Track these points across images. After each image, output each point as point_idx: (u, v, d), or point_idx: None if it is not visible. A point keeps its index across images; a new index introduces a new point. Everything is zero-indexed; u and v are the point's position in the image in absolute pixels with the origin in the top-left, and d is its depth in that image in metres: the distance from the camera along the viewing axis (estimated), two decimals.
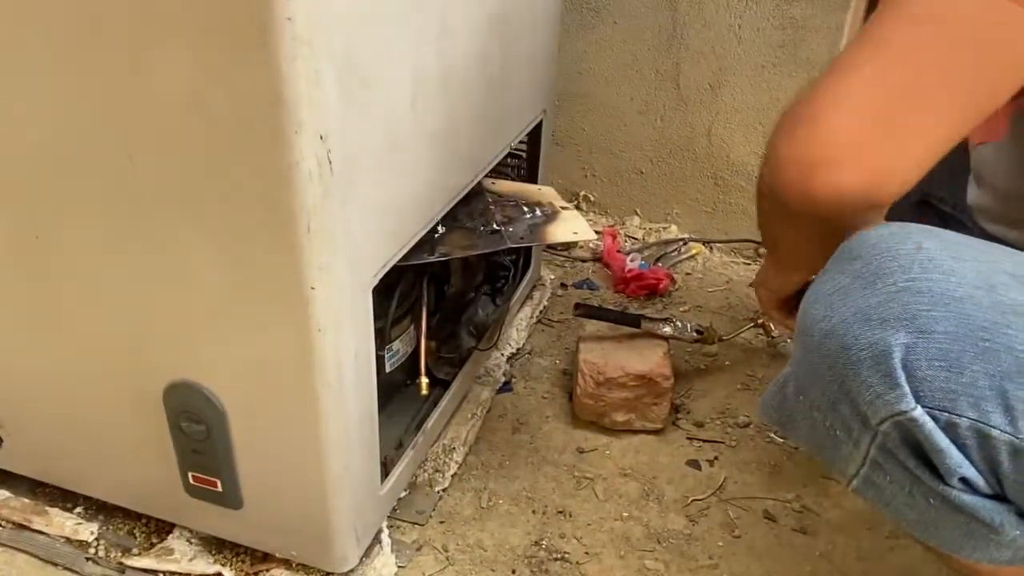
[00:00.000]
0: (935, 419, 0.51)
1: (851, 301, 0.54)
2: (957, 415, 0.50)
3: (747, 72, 1.40)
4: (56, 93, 0.61)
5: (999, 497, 0.53)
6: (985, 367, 0.49)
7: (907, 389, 0.51)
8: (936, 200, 0.88)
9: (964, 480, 0.52)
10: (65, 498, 0.92)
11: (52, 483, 0.90)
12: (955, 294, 0.51)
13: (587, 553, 0.90)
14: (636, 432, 1.07)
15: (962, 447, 0.51)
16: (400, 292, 0.88)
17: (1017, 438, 0.50)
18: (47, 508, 0.90)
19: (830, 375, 0.54)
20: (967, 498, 0.53)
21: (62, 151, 0.64)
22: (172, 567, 0.83)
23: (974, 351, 0.50)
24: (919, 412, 0.50)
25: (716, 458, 1.04)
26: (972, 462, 0.52)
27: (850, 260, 0.56)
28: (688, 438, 1.07)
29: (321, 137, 0.57)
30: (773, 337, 1.25)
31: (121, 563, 0.85)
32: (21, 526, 0.88)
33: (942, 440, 0.51)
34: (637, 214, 1.61)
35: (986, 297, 0.51)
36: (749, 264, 1.50)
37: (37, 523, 0.88)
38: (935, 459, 0.52)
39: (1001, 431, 0.50)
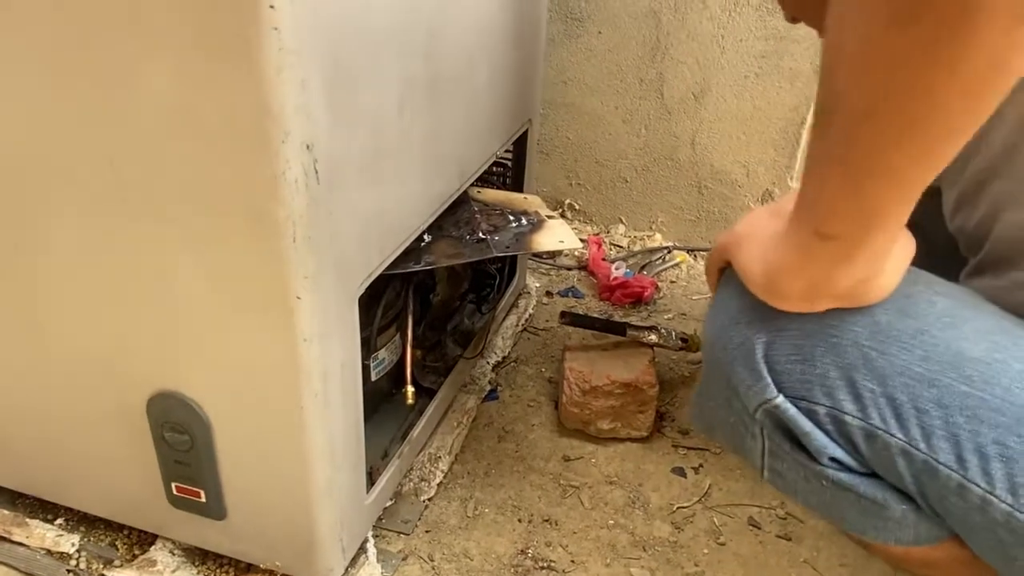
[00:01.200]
0: (797, 406, 0.56)
1: (728, 309, 0.61)
2: (814, 403, 0.56)
3: (730, 82, 1.42)
4: (39, 100, 0.60)
5: (877, 475, 0.57)
6: (835, 360, 0.55)
7: (769, 380, 0.56)
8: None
9: (837, 461, 0.57)
10: (46, 509, 0.91)
11: (33, 494, 0.89)
12: None
13: (573, 561, 0.90)
14: (621, 440, 1.07)
15: (825, 431, 0.56)
16: (386, 301, 0.88)
17: (867, 423, 0.54)
18: (27, 519, 0.89)
19: (721, 375, 0.61)
20: (844, 476, 0.57)
21: (44, 159, 0.63)
22: None
23: (824, 346, 0.55)
24: (781, 400, 0.56)
25: (701, 465, 1.04)
26: (838, 444, 0.56)
27: (732, 279, 0.62)
28: (673, 446, 1.07)
29: (308, 147, 0.57)
30: None
31: (103, 575, 0.84)
32: (1, 538, 0.87)
33: (806, 424, 0.56)
34: (622, 222, 1.62)
35: None
36: None
37: (17, 535, 0.87)
38: (804, 441, 0.57)
39: (853, 417, 0.55)
